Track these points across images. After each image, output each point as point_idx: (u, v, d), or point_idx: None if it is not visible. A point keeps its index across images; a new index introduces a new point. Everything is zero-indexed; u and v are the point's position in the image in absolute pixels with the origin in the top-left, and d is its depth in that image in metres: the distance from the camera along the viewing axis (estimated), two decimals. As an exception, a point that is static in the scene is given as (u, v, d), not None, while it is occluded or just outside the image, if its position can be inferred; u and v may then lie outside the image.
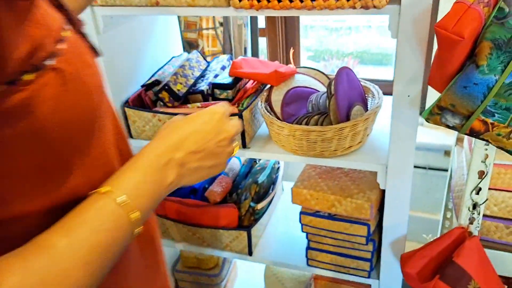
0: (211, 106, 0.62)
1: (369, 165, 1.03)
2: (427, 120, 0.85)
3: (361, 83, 1.16)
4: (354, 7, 0.82)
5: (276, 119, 1.06)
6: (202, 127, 0.58)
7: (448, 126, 0.83)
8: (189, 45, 2.10)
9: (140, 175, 0.51)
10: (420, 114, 0.91)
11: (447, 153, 1.72)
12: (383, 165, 1.02)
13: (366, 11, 0.83)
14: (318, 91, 1.19)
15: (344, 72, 1.08)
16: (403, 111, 0.93)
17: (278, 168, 1.45)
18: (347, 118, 1.04)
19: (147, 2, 1.01)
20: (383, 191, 1.07)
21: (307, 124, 1.05)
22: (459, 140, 1.38)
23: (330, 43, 3.48)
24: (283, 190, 1.54)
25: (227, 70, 1.27)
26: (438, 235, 1.59)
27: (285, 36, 1.95)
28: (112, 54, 1.14)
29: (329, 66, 3.20)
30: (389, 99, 1.23)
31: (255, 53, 1.88)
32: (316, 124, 1.04)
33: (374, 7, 0.81)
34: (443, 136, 1.68)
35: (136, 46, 1.25)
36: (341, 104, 1.03)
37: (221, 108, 0.62)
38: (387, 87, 1.85)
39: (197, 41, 2.09)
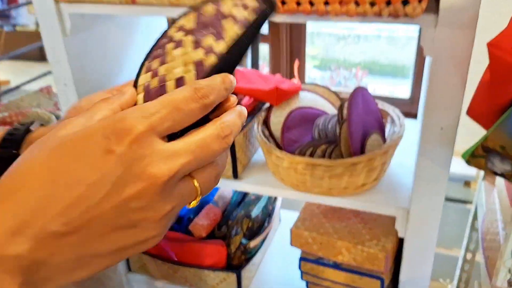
0: (119, 114, 0.29)
1: (387, 209, 0.84)
2: (467, 162, 0.66)
3: (378, 105, 0.98)
4: (379, 15, 0.63)
5: (275, 147, 0.87)
6: (81, 173, 0.27)
7: (495, 173, 0.65)
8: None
9: None
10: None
11: (467, 183, 1.53)
12: (403, 210, 0.83)
13: (394, 19, 0.64)
14: (326, 113, 1.00)
15: (360, 93, 0.89)
16: (434, 147, 0.74)
17: (276, 198, 1.26)
18: (362, 150, 0.85)
19: (121, 0, 0.83)
20: (401, 239, 0.88)
21: (312, 155, 0.86)
22: (488, 174, 1.19)
23: (337, 52, 3.30)
24: (280, 221, 1.35)
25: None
26: (456, 278, 1.39)
27: (289, 44, 1.76)
28: (81, 60, 0.96)
29: (336, 77, 3.01)
30: (408, 122, 1.04)
31: (255, 61, 1.69)
32: (323, 156, 0.85)
33: (406, 15, 0.62)
34: (464, 165, 1.49)
35: (113, 51, 1.06)
36: (354, 132, 0.85)
37: (136, 118, 0.29)
38: (403, 106, 1.66)
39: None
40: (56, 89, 0.97)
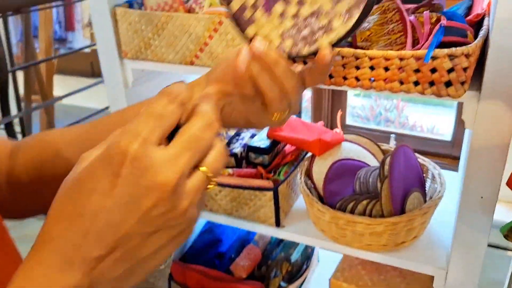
0: (112, 142, 0.33)
1: (425, 267, 0.86)
2: (505, 237, 0.68)
3: (418, 160, 1.00)
4: (422, 93, 0.67)
5: (317, 200, 0.91)
6: (99, 202, 0.32)
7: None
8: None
9: None
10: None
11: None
12: (442, 270, 0.85)
13: (436, 97, 0.68)
14: (368, 165, 1.04)
15: (402, 151, 0.92)
16: (473, 215, 0.76)
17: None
18: (402, 208, 0.88)
19: (181, 60, 0.90)
20: (439, 297, 0.90)
21: (353, 210, 0.89)
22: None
23: (379, 81, 3.29)
24: (319, 261, 1.38)
25: (265, 130, 1.14)
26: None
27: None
28: (140, 109, 1.04)
29: (376, 107, 3.02)
30: (448, 174, 1.06)
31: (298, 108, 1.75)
32: (364, 211, 0.89)
33: (448, 95, 0.65)
34: (505, 212, 1.48)
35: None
36: (395, 190, 0.88)
37: (127, 139, 0.32)
38: (444, 148, 1.67)
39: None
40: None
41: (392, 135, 1.73)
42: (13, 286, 0.33)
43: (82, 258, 0.32)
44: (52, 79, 2.57)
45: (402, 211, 0.87)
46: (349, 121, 2.43)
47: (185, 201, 0.33)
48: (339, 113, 1.14)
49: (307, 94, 1.81)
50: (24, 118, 2.10)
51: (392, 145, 1.16)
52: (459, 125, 1.62)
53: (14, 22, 3.08)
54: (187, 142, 0.33)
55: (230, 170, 1.05)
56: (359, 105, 3.19)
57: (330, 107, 1.79)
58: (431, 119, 3.03)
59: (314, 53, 0.41)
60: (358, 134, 1.12)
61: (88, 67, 3.71)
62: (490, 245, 1.55)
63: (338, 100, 1.78)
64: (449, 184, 0.94)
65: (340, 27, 0.39)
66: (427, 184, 0.99)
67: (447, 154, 1.64)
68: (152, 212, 0.32)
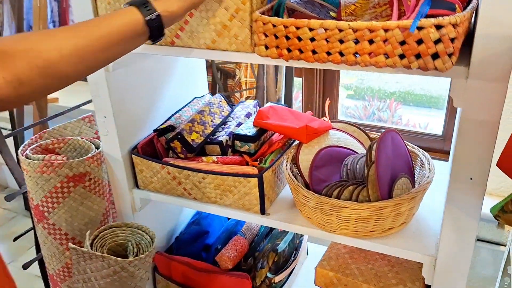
0: None
1: (413, 254, 0.83)
2: (496, 217, 0.65)
3: (408, 147, 0.98)
4: (409, 67, 0.64)
5: (302, 186, 0.88)
6: None
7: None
8: (225, 75, 1.98)
9: None
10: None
11: (501, 225, 1.48)
12: (431, 257, 0.82)
13: (423, 72, 0.65)
14: (356, 152, 1.01)
15: (389, 136, 0.90)
16: (463, 198, 0.74)
17: (303, 231, 1.26)
18: (389, 193, 0.85)
19: (161, 41, 0.87)
20: (429, 286, 0.87)
21: (339, 195, 0.86)
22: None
23: (371, 81, 3.29)
24: (308, 254, 1.35)
25: (252, 118, 1.11)
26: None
27: (323, 78, 1.78)
28: (122, 93, 1.01)
29: (369, 107, 3.00)
30: (439, 164, 1.03)
31: (289, 92, 1.72)
32: (350, 197, 0.86)
33: (436, 69, 0.63)
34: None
35: (152, 85, 1.11)
36: (382, 175, 0.85)
37: None
38: (435, 143, 1.64)
39: (234, 71, 1.97)
40: (96, 121, 1.02)
41: (383, 130, 1.71)
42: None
43: None
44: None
45: (389, 197, 0.84)
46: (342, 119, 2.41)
47: None
48: (327, 102, 1.11)
49: (299, 88, 1.79)
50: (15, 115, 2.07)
51: (381, 134, 1.13)
52: (451, 119, 1.60)
53: (9, 21, 3.04)
54: None
55: (214, 158, 1.02)
56: (352, 106, 3.17)
57: (321, 105, 1.77)
58: (424, 119, 3.01)
59: None
60: (346, 123, 1.09)
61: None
62: (482, 240, 1.52)
63: (329, 98, 1.76)
64: (439, 173, 0.91)
65: None
66: (416, 171, 0.97)
67: (439, 149, 1.62)
68: None
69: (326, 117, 1.08)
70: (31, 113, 2.46)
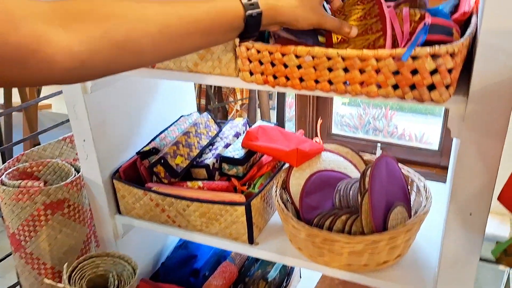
0: None
1: (410, 289, 0.79)
2: (497, 260, 0.60)
3: (403, 171, 0.93)
4: (402, 98, 0.59)
5: (292, 216, 0.83)
6: None
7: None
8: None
9: None
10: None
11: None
12: (428, 293, 0.77)
13: (419, 103, 0.60)
14: (349, 176, 0.96)
15: (384, 162, 0.85)
16: (461, 234, 0.69)
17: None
18: (384, 224, 0.80)
19: (142, 63, 0.82)
20: (426, 321, 0.82)
21: (331, 226, 0.81)
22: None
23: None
24: (301, 278, 1.29)
25: (241, 139, 1.06)
26: None
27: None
28: (101, 116, 0.96)
29: (365, 116, 2.95)
30: (435, 186, 0.99)
31: (280, 116, 1.68)
32: (343, 228, 0.81)
33: (432, 100, 0.58)
34: (496, 225, 1.41)
35: (135, 104, 1.06)
36: (376, 204, 0.80)
37: None
38: (431, 158, 1.60)
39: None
40: (76, 144, 0.96)
41: (378, 144, 1.66)
42: None
43: None
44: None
45: (384, 227, 0.79)
46: (337, 130, 2.36)
47: None
48: (319, 121, 1.06)
49: (292, 102, 1.74)
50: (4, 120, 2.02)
51: (377, 154, 1.09)
52: (447, 132, 1.55)
53: None
54: None
55: (200, 183, 0.97)
56: (347, 114, 3.12)
57: (315, 115, 1.72)
58: (420, 128, 2.97)
59: None
60: (339, 144, 1.04)
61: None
62: (481, 259, 1.48)
63: (323, 108, 1.71)
64: (436, 196, 0.86)
65: None
66: (412, 197, 0.92)
67: (435, 164, 1.58)
68: None
69: (318, 137, 1.03)
70: (20, 124, 2.41)
